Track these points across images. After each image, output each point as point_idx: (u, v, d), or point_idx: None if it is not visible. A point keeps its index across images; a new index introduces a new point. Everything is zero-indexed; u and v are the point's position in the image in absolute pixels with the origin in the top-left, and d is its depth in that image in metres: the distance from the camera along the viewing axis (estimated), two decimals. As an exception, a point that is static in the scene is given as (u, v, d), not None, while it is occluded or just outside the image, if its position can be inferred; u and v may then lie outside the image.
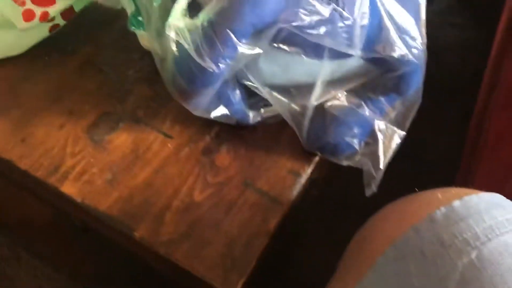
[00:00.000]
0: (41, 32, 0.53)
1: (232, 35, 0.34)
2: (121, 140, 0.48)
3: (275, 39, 0.37)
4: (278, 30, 0.36)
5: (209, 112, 0.44)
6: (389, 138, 0.47)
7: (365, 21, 0.39)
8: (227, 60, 0.35)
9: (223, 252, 0.41)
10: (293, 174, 0.47)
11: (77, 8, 0.54)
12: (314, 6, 0.37)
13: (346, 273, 0.36)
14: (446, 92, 1.15)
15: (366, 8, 0.39)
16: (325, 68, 0.42)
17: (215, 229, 0.42)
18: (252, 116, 0.48)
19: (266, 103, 0.48)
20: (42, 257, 0.76)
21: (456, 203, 0.32)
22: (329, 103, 0.46)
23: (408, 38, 0.42)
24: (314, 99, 0.44)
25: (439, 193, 0.35)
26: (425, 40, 0.44)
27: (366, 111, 0.46)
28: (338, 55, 0.42)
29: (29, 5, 0.48)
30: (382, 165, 0.46)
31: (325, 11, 0.37)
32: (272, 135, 0.50)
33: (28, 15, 0.47)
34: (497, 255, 0.29)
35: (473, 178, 0.67)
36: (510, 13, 0.88)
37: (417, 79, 0.45)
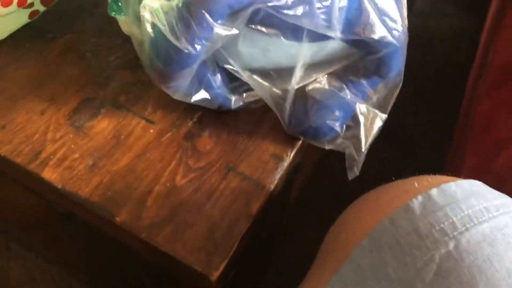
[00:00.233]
0: (21, 18, 0.52)
1: (208, 16, 0.34)
2: (103, 126, 0.48)
3: (252, 20, 0.37)
4: (255, 11, 0.36)
5: (190, 96, 0.44)
6: (371, 121, 0.47)
7: (344, 3, 0.39)
8: (203, 41, 0.35)
9: (205, 236, 0.41)
10: (275, 158, 0.47)
11: (57, -6, 0.54)
12: (290, -14, 0.36)
13: (323, 265, 0.36)
14: (437, 80, 1.15)
15: (344, -11, 0.39)
16: (305, 51, 0.42)
17: (197, 213, 0.42)
18: (234, 101, 0.48)
19: (248, 88, 0.48)
20: (32, 247, 0.76)
21: (433, 191, 0.32)
22: (310, 87, 0.46)
23: (389, 20, 0.42)
24: (294, 83, 0.44)
25: (416, 182, 0.34)
26: (406, 21, 0.44)
27: (348, 94, 0.46)
28: (318, 37, 0.42)
29: (7, -10, 0.48)
30: (364, 148, 0.46)
31: (302, -9, 0.37)
32: (255, 120, 0.50)
33: (5, 0, 0.47)
34: (475, 245, 0.29)
35: (462, 160, 0.68)
36: (498, 1, 0.88)
37: (398, 61, 0.45)
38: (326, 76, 0.46)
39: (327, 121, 0.46)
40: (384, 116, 0.47)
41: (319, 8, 0.38)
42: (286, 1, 0.35)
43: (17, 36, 0.54)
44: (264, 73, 0.44)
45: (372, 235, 0.32)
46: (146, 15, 0.35)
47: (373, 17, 0.42)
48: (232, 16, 0.35)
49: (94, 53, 0.54)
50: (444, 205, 0.31)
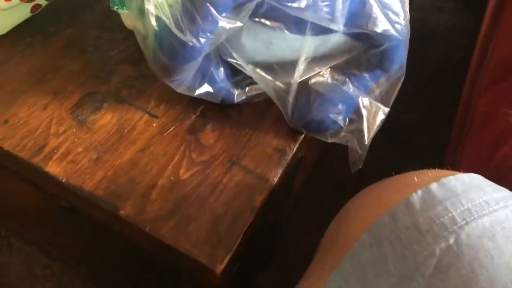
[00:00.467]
0: (23, 12, 0.52)
1: (212, 9, 0.34)
2: (106, 120, 0.48)
3: (256, 13, 0.37)
4: (259, 4, 0.36)
5: (193, 90, 0.44)
6: (374, 114, 0.47)
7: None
8: (208, 34, 0.35)
9: (209, 229, 0.41)
10: (278, 151, 0.47)
11: (59, -12, 0.54)
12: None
13: (323, 259, 0.36)
14: (436, 75, 1.15)
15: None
16: (308, 44, 0.42)
17: (201, 206, 0.43)
18: (236, 94, 0.48)
19: (251, 81, 0.48)
20: (34, 242, 0.76)
21: (433, 185, 0.32)
22: (313, 80, 0.46)
23: (391, 13, 0.42)
24: (297, 76, 0.44)
25: (416, 176, 0.34)
26: (408, 16, 0.44)
27: (351, 88, 0.46)
28: (321, 30, 0.42)
29: (9, -15, 0.48)
30: (367, 141, 0.46)
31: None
32: (258, 113, 0.50)
33: (8, -6, 0.47)
34: (475, 239, 0.29)
35: (461, 155, 0.68)
36: (497, -4, 0.88)
37: (400, 55, 0.45)
38: (329, 69, 0.46)
39: (330, 115, 0.46)
40: (387, 109, 0.47)
41: (323, 1, 0.38)
42: (290, -6, 0.35)
43: (19, 31, 0.54)
44: (267, 67, 0.44)
45: (372, 229, 0.32)
46: (150, 8, 0.35)
47: (376, 10, 0.42)
48: (236, 9, 0.35)
49: (96, 47, 0.54)
50: (444, 199, 0.31)
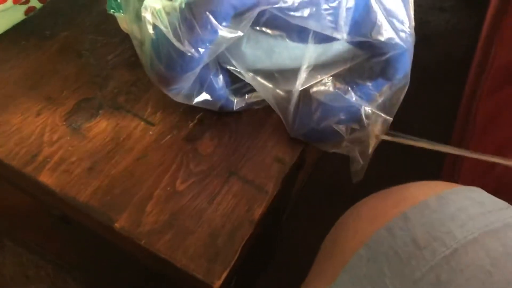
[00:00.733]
0: (16, 15, 0.51)
1: (212, 18, 0.32)
2: (101, 127, 0.46)
3: (257, 22, 0.36)
4: (261, 13, 0.35)
5: (191, 99, 0.43)
6: (377, 124, 0.46)
7: (351, 3, 0.38)
8: (207, 44, 0.34)
9: (206, 242, 0.40)
10: (278, 161, 0.46)
11: (54, -10, 0.52)
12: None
13: (320, 272, 0.35)
14: (436, 76, 1.14)
15: (352, -10, 0.38)
16: (310, 52, 0.41)
17: (198, 219, 0.41)
18: (236, 102, 0.47)
19: (251, 89, 0.47)
20: (27, 247, 0.75)
21: (431, 199, 0.31)
22: (314, 89, 0.44)
23: (396, 21, 0.41)
24: (299, 84, 0.43)
25: (414, 188, 0.33)
26: (413, 23, 0.43)
27: (353, 97, 0.45)
28: (324, 38, 0.41)
29: (2, -13, 0.46)
30: (369, 152, 0.45)
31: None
32: (257, 122, 0.49)
33: (0, -3, 0.45)
34: (474, 256, 0.28)
35: (461, 164, 0.67)
36: (499, -4, 0.87)
37: (404, 63, 0.44)
38: (331, 78, 0.45)
39: (332, 124, 0.45)
40: (390, 119, 0.46)
41: (326, 10, 0.36)
42: (293, 2, 0.34)
43: (13, 34, 0.52)
44: (267, 75, 0.43)
45: (369, 244, 0.31)
46: (147, 16, 0.34)
47: (381, 18, 0.40)
48: (236, 17, 0.34)
49: (91, 51, 0.52)
50: (442, 214, 0.30)
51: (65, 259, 0.70)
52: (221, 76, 0.44)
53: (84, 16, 0.55)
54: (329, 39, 0.41)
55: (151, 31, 0.35)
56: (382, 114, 0.46)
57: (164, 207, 0.42)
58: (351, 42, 0.42)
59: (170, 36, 0.33)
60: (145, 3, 0.34)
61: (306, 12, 0.35)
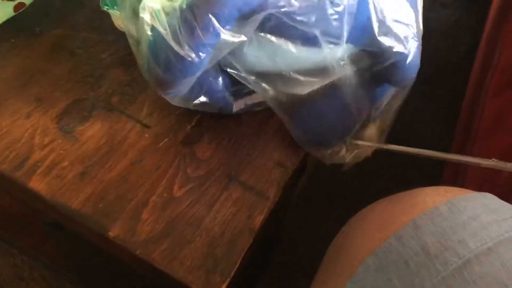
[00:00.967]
0: (5, 11, 0.49)
1: (214, 20, 0.30)
2: (94, 130, 0.44)
3: (262, 27, 0.34)
4: (267, 18, 0.33)
5: (190, 102, 0.41)
6: (378, 129, 0.44)
7: (353, 9, 0.36)
8: (208, 48, 0.31)
9: (204, 252, 0.38)
10: (280, 165, 0.44)
11: (45, -15, 0.50)
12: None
13: (326, 282, 0.34)
14: (436, 74, 1.12)
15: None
16: (313, 57, 0.39)
17: (196, 227, 0.40)
18: (235, 104, 0.45)
19: (251, 90, 0.45)
20: (20, 250, 0.74)
21: (442, 206, 0.30)
22: (316, 93, 0.42)
23: (402, 27, 0.39)
24: (301, 89, 0.41)
25: (423, 194, 0.32)
26: (421, 28, 0.41)
27: (356, 101, 0.43)
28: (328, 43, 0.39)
29: (-10, -18, 0.44)
30: (363, 157, 0.44)
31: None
32: (257, 123, 0.47)
33: (-12, -7, 0.43)
34: (488, 267, 0.27)
35: (465, 167, 0.65)
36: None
37: (409, 70, 0.42)
38: (334, 82, 0.43)
39: (334, 128, 0.44)
40: (391, 124, 0.44)
41: (332, 14, 0.34)
42: (300, 6, 0.32)
43: (1, 31, 0.50)
44: (269, 78, 0.41)
45: (377, 253, 0.30)
46: (145, 16, 0.32)
47: (387, 24, 0.38)
48: (240, 21, 0.32)
49: (84, 49, 0.50)
50: (454, 221, 0.29)
51: (60, 263, 0.68)
52: (220, 79, 0.42)
53: (77, 13, 0.53)
54: (332, 43, 0.39)
55: (149, 32, 0.33)
56: (384, 119, 0.44)
57: (161, 214, 0.40)
58: (353, 48, 0.40)
59: (169, 39, 0.31)
60: (143, 2, 0.32)
61: (312, 17, 0.33)
